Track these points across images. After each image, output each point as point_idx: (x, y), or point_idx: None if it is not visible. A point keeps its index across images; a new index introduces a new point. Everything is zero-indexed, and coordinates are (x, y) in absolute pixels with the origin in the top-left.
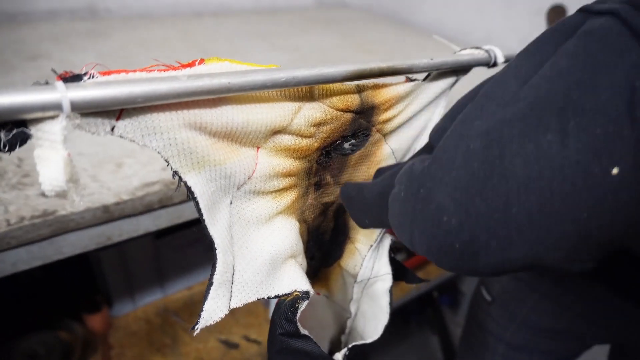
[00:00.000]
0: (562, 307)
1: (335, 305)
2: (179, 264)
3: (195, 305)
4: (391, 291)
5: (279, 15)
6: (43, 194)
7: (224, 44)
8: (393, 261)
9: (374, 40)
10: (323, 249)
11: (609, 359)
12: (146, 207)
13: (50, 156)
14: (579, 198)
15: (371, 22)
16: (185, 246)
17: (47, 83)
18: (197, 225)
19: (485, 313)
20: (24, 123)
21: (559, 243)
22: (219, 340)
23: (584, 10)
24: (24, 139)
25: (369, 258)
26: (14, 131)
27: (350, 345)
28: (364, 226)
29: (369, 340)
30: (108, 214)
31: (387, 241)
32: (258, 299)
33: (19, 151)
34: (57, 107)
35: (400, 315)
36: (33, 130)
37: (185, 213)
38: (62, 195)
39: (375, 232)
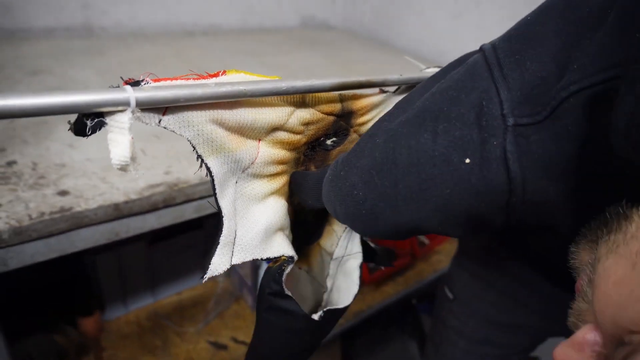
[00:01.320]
0: (518, 302)
1: (314, 281)
2: (170, 269)
3: (185, 310)
4: (361, 267)
5: (266, 35)
6: (114, 167)
7: (216, 62)
8: (364, 243)
9: (356, 60)
10: (306, 230)
11: None
12: (152, 206)
13: (119, 139)
14: (444, 179)
15: (353, 43)
16: (177, 253)
17: (118, 87)
18: (190, 232)
19: (447, 310)
20: (102, 114)
21: (432, 211)
22: (208, 342)
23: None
24: (101, 126)
25: (343, 238)
26: (95, 120)
27: (325, 309)
28: (308, 206)
29: (342, 306)
30: (118, 212)
31: None
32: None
33: (33, 156)
34: (126, 103)
35: (381, 321)
36: (108, 119)
37: (186, 213)
38: (124, 169)
39: None
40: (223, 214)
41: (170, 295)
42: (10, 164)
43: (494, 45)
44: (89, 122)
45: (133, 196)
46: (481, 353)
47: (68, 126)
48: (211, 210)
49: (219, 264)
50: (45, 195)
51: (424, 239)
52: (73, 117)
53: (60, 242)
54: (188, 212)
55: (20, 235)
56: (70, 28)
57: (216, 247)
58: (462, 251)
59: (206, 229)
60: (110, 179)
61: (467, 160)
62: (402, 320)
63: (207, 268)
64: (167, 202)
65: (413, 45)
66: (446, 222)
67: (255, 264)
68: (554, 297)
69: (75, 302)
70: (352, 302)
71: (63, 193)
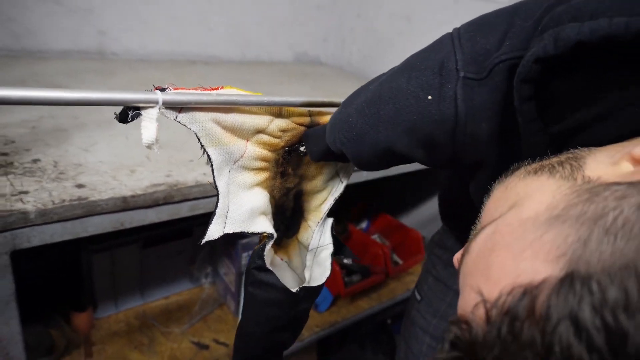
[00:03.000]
0: None
1: (293, 273)
2: (159, 274)
3: (171, 313)
4: (332, 256)
5: (261, 67)
6: (144, 145)
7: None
8: (334, 238)
9: (342, 93)
10: (285, 222)
11: None
12: (153, 202)
13: (149, 126)
14: (412, 109)
15: (341, 78)
16: (167, 258)
17: (151, 90)
18: (180, 240)
19: (415, 310)
20: (139, 108)
21: (403, 133)
22: (191, 342)
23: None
24: (137, 116)
25: (317, 232)
26: (134, 112)
27: (302, 285)
28: (314, 156)
29: (316, 284)
30: (125, 204)
31: (330, 220)
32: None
33: (54, 156)
34: (155, 102)
35: (356, 341)
36: (142, 112)
37: (181, 211)
38: (150, 147)
39: (321, 213)
40: (219, 192)
41: (158, 298)
42: (35, 161)
43: (458, 27)
44: (130, 112)
45: (139, 192)
46: None
47: (86, 133)
48: (204, 210)
49: (214, 231)
50: (65, 186)
51: (398, 259)
52: (118, 110)
53: (74, 226)
54: (183, 210)
55: (44, 217)
56: (84, 51)
57: (212, 218)
58: (430, 259)
59: (195, 237)
60: (120, 177)
61: (429, 97)
62: (377, 339)
63: (194, 275)
64: (167, 200)
65: None
66: (411, 143)
67: (239, 271)
68: None
69: (69, 298)
70: (322, 285)
71: (80, 186)
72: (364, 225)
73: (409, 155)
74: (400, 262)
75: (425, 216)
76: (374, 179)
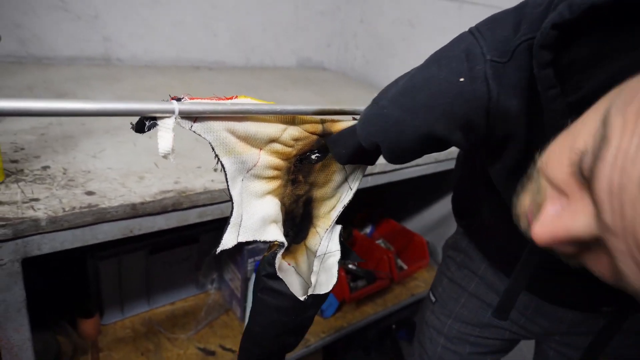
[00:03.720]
0: (484, 303)
1: (300, 278)
2: (165, 280)
3: (177, 319)
4: (339, 262)
5: (265, 72)
6: (160, 155)
7: (219, 94)
8: (342, 244)
9: (346, 99)
10: (295, 229)
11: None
12: (162, 209)
13: (166, 135)
14: (446, 92)
15: (345, 84)
16: (174, 264)
17: (167, 101)
18: (187, 246)
19: (430, 312)
20: (155, 118)
21: (440, 116)
22: (197, 348)
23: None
24: (154, 126)
25: (325, 238)
26: (151, 122)
27: (309, 293)
28: (343, 158)
29: (323, 292)
30: (134, 211)
31: (338, 227)
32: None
33: (63, 163)
34: (172, 112)
35: (361, 346)
36: (159, 122)
37: (190, 217)
38: (166, 156)
39: (330, 220)
40: (233, 201)
41: (164, 304)
42: (45, 168)
43: (474, 26)
44: (147, 123)
45: (148, 199)
46: (457, 350)
47: (94, 140)
48: (211, 217)
49: (228, 240)
50: (75, 194)
51: (402, 264)
52: (134, 120)
53: (84, 233)
54: (192, 216)
55: (55, 224)
56: (90, 57)
57: (227, 227)
58: (444, 262)
59: (202, 244)
60: (129, 184)
61: (461, 79)
62: (382, 345)
63: (200, 281)
64: (176, 207)
65: None
66: (449, 126)
67: (245, 276)
68: (519, 301)
69: (76, 304)
70: (329, 293)
71: (90, 193)
72: (368, 230)
73: (446, 139)
74: (405, 267)
75: (429, 221)
76: (379, 184)
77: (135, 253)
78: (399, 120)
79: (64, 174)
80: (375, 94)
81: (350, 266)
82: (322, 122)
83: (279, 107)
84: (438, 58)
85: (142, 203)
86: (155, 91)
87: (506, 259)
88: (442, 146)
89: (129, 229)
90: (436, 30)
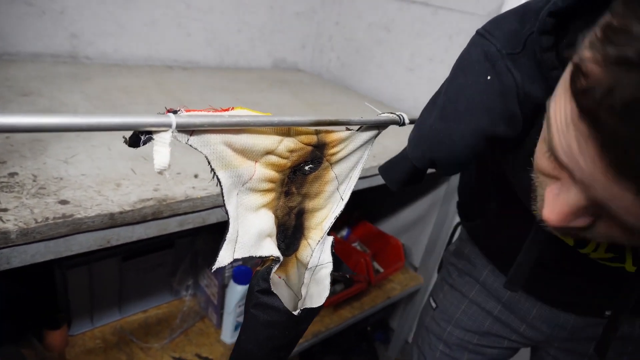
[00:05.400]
0: (485, 311)
1: (290, 291)
2: (139, 287)
3: (150, 327)
4: (331, 274)
5: (240, 73)
6: (155, 171)
7: (195, 95)
8: (334, 256)
9: (322, 102)
10: (286, 241)
11: None
12: (142, 218)
13: (162, 150)
14: (480, 91)
15: (320, 86)
16: (148, 270)
17: (163, 114)
18: (161, 251)
19: (430, 317)
20: (151, 132)
21: (482, 113)
22: (172, 357)
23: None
24: (149, 140)
25: (317, 250)
26: (146, 136)
27: (302, 307)
28: (397, 185)
29: (316, 305)
30: (112, 221)
31: (330, 238)
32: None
33: (32, 169)
34: (169, 125)
35: (339, 348)
36: (155, 136)
37: (170, 226)
38: (162, 172)
39: (322, 231)
40: (229, 217)
41: (136, 312)
42: (12, 175)
43: (479, 28)
44: (142, 137)
45: (127, 208)
46: (456, 357)
47: (65, 143)
48: (192, 225)
49: (224, 257)
50: (47, 203)
51: (378, 267)
52: (128, 133)
53: (58, 245)
54: (172, 225)
55: (26, 237)
56: (56, 54)
57: (223, 243)
58: (445, 268)
59: (177, 249)
60: (105, 192)
61: (489, 77)
62: (358, 347)
63: (174, 287)
64: (156, 215)
65: (373, 92)
66: (492, 121)
67: (222, 282)
68: (513, 306)
69: (43, 315)
70: (322, 306)
71: (64, 202)
72: (344, 233)
73: (493, 134)
74: (381, 269)
75: (404, 223)
76: (359, 189)
77: (107, 260)
78: (449, 131)
79: (34, 181)
80: (351, 96)
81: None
82: (317, 132)
83: (276, 119)
84: (461, 67)
85: (121, 212)
86: (128, 92)
87: (510, 261)
88: (491, 144)
89: (106, 239)
90: (411, 34)
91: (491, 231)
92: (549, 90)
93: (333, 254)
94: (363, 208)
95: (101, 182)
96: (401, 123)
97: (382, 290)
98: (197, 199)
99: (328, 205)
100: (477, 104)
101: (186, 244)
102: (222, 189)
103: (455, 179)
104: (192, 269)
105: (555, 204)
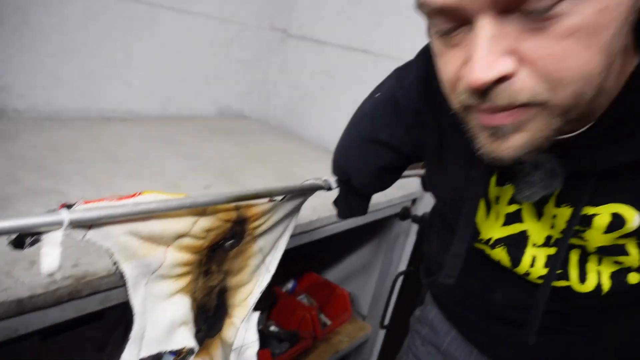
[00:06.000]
0: (471, 345)
1: None
2: None
3: None
4: (257, 354)
5: (183, 123)
6: (44, 274)
7: (131, 150)
8: (260, 332)
9: (266, 150)
10: (208, 323)
11: None
12: (56, 300)
13: (51, 252)
14: (374, 102)
15: (266, 133)
16: (74, 348)
17: (54, 210)
18: (89, 324)
19: (418, 343)
20: (39, 234)
21: (380, 118)
22: None
23: None
24: (37, 242)
25: (242, 328)
26: (34, 238)
27: None
28: (344, 214)
29: None
30: (20, 308)
31: (255, 315)
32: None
33: None
34: (60, 224)
35: None
36: (43, 236)
37: (90, 305)
38: (51, 275)
39: (247, 307)
40: (134, 312)
41: None
42: None
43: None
44: (27, 240)
45: (39, 290)
46: None
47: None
48: (116, 301)
49: (128, 358)
50: None
51: (325, 319)
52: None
53: None
54: (93, 304)
55: None
56: None
57: (126, 342)
58: (410, 335)
59: (106, 321)
60: (16, 272)
61: (377, 94)
62: None
63: None
64: (73, 295)
65: (318, 137)
66: (375, 126)
67: (158, 354)
68: (506, 345)
69: None
70: None
71: None
72: (290, 285)
73: (377, 139)
74: (329, 322)
75: (350, 271)
76: (300, 244)
77: (24, 342)
78: (345, 141)
79: None
80: (297, 143)
81: (272, 328)
82: (237, 208)
83: (189, 201)
84: (375, 91)
85: (31, 297)
86: (58, 150)
87: (472, 323)
88: (389, 152)
89: (14, 329)
90: (354, 81)
91: (450, 288)
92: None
93: (259, 331)
94: (308, 258)
95: (12, 261)
96: (327, 188)
97: (330, 344)
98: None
99: (253, 279)
100: (373, 107)
101: (118, 314)
102: (126, 282)
103: (398, 225)
104: (124, 340)
105: (472, 58)
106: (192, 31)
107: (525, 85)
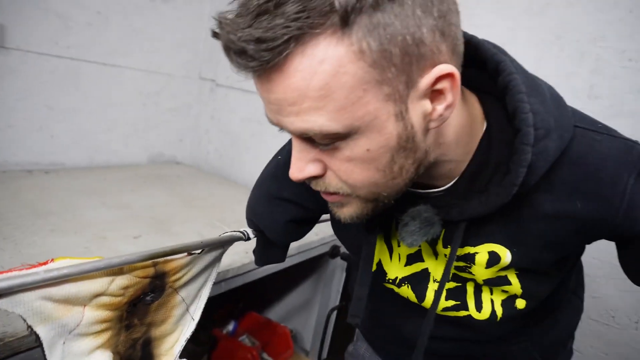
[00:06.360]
0: None
1: None
2: None
3: None
4: None
5: (112, 172)
6: None
7: (55, 202)
8: None
9: (198, 196)
10: None
11: None
12: None
13: None
14: (271, 166)
15: (199, 178)
16: None
17: None
18: None
19: None
20: None
21: (281, 182)
22: None
23: None
24: None
25: None
26: None
27: None
28: (260, 262)
29: None
30: None
31: None
32: None
33: None
34: None
35: None
36: None
37: None
38: None
39: (173, 356)
40: None
41: None
42: None
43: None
44: None
45: None
46: None
47: None
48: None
49: None
50: None
51: (268, 358)
52: None
53: None
54: None
55: None
56: None
57: None
58: (350, 354)
59: None
60: None
61: (279, 157)
62: None
63: None
64: None
65: (250, 181)
66: (280, 186)
67: None
68: None
69: None
70: None
71: None
72: (231, 327)
73: (281, 196)
74: None
75: (291, 308)
76: (233, 287)
77: None
78: (254, 199)
79: None
80: (229, 188)
81: None
82: (155, 264)
83: (102, 263)
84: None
85: None
86: None
87: (394, 352)
88: (294, 207)
89: None
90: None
91: (374, 322)
92: None
93: None
94: (248, 298)
95: None
96: (246, 238)
97: None
98: None
99: (178, 328)
100: (269, 175)
101: None
102: (41, 345)
103: (333, 262)
104: None
105: (291, 162)
106: (119, 83)
107: (332, 182)
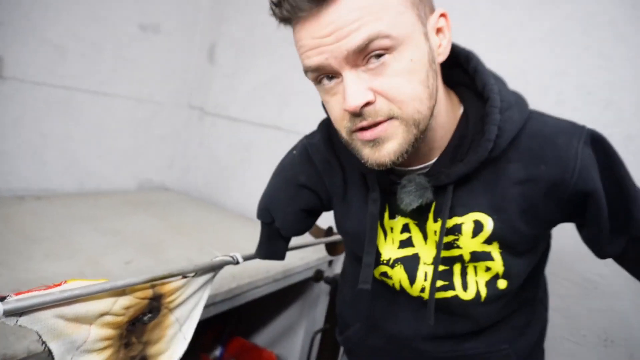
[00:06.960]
0: None
1: None
2: None
3: None
4: None
5: (102, 198)
6: None
7: (48, 229)
8: None
9: (187, 222)
10: None
11: None
12: None
13: None
14: (289, 160)
15: (187, 205)
16: None
17: None
18: None
19: None
20: None
21: (298, 172)
22: None
23: None
24: None
25: None
26: None
27: None
28: (259, 254)
29: None
30: None
31: None
32: None
33: None
34: None
35: None
36: None
37: None
38: None
39: None
40: None
41: None
42: None
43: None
44: None
45: None
46: None
47: None
48: None
49: None
50: None
51: None
52: None
53: None
54: None
55: None
56: None
57: None
58: None
59: None
60: None
61: (294, 151)
62: None
63: None
64: None
65: (239, 207)
66: (296, 172)
67: None
68: None
69: None
70: None
71: None
72: (217, 352)
73: (298, 182)
74: None
75: (277, 332)
76: (222, 312)
77: None
78: (271, 186)
79: None
80: (217, 214)
81: None
82: (153, 286)
83: (108, 285)
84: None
85: None
86: None
87: None
88: (308, 193)
89: None
90: (269, 154)
91: (369, 327)
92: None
93: None
94: (234, 323)
95: None
96: (235, 262)
97: None
98: (42, 353)
99: (171, 347)
100: (286, 164)
101: None
102: (54, 359)
103: (318, 286)
104: None
105: (346, 95)
106: (109, 111)
107: (382, 106)
